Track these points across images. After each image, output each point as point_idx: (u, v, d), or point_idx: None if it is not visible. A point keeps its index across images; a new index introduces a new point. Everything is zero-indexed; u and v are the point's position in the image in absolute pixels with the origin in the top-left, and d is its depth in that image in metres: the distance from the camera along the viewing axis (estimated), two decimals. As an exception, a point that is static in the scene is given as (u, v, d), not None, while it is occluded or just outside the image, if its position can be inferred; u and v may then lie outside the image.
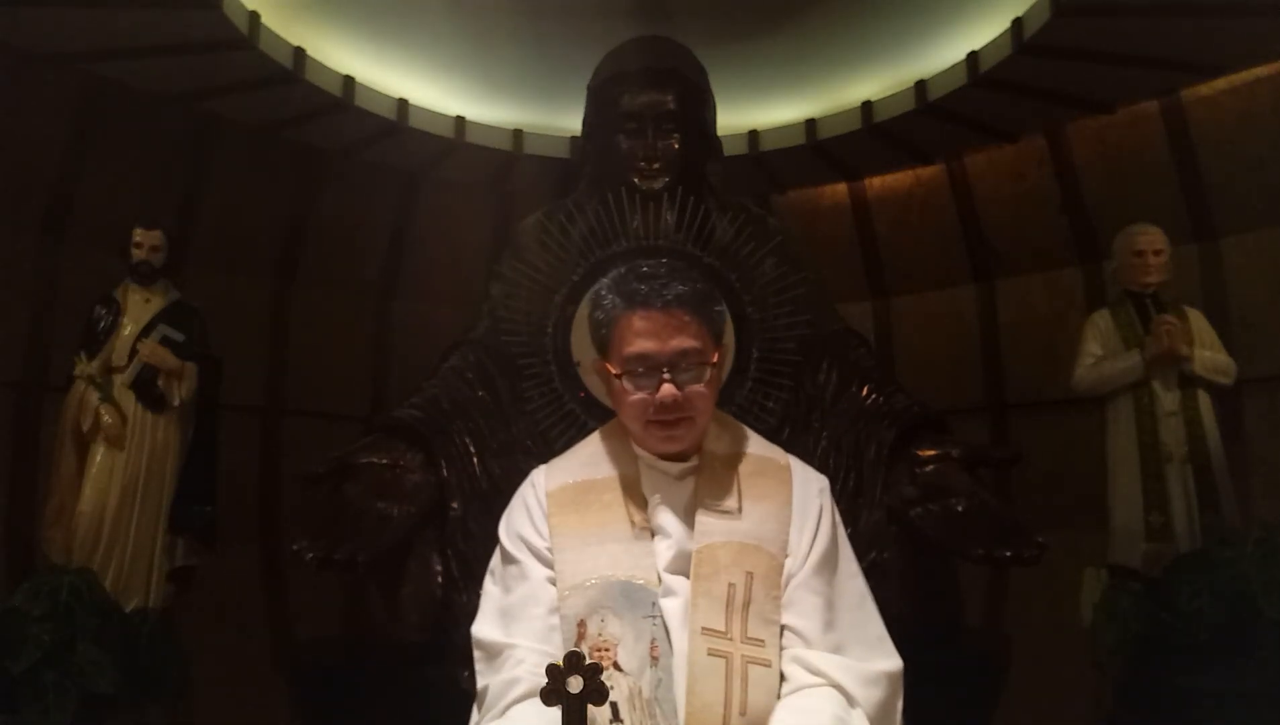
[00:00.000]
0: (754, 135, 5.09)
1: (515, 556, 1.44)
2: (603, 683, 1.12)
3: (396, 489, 3.06)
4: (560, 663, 1.13)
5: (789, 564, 1.40)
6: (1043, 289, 4.92)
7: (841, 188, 5.43)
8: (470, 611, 1.50)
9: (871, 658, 1.36)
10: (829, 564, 1.42)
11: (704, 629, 1.33)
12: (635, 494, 1.46)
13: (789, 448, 1.58)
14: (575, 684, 1.11)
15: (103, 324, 3.64)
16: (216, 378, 3.83)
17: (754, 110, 4.96)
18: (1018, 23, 4.01)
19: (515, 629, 1.38)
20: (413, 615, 2.95)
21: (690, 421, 1.43)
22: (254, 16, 3.93)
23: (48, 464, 3.61)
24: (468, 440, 3.20)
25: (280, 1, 3.99)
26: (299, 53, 4.20)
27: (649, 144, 3.36)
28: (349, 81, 4.44)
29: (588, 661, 1.14)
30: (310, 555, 2.69)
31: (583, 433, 1.64)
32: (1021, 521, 3.01)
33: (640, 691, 1.30)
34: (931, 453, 3.20)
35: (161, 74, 4.05)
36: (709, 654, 1.31)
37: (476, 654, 1.41)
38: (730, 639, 1.33)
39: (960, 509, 3.01)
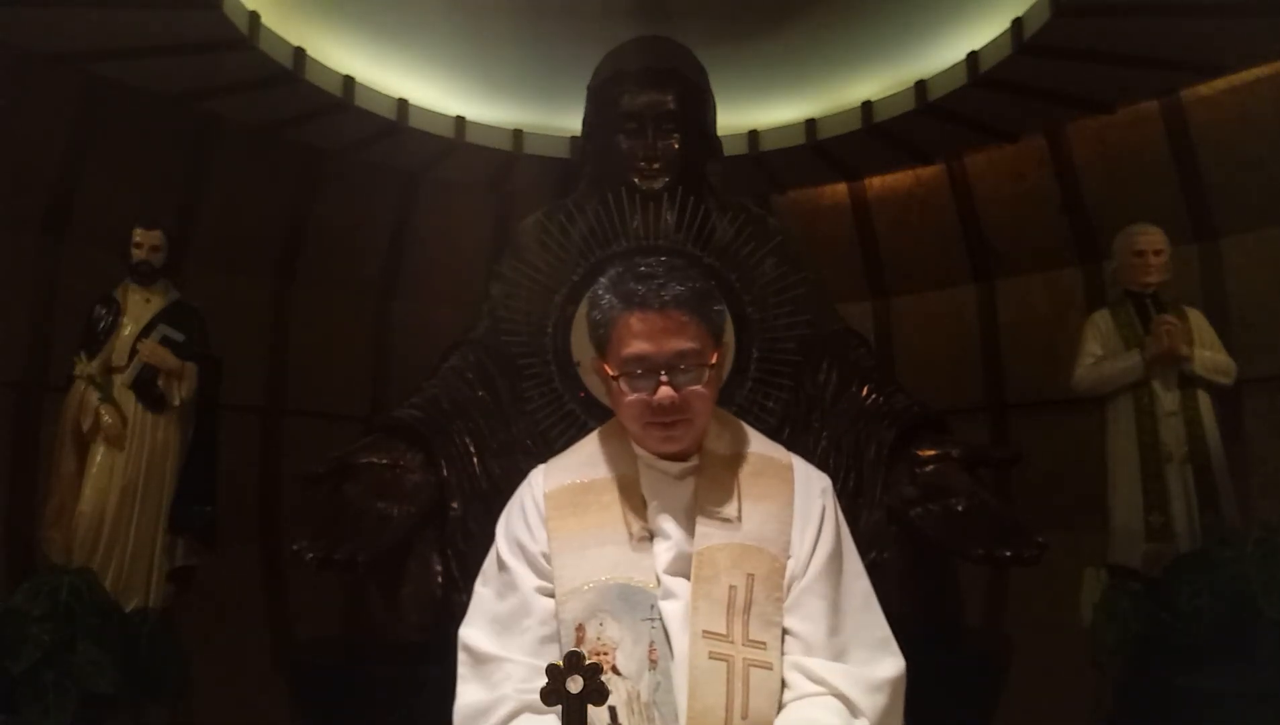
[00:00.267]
0: (754, 135, 5.09)
1: (508, 563, 1.43)
2: (602, 683, 1.12)
3: (396, 489, 3.06)
4: (559, 663, 1.13)
5: (791, 565, 1.39)
6: (1043, 289, 4.92)
7: (841, 188, 5.43)
8: (469, 611, 1.49)
9: (876, 661, 1.36)
10: (834, 566, 1.41)
11: (705, 632, 1.32)
12: (634, 495, 1.45)
13: (789, 448, 1.57)
14: (575, 684, 1.11)
15: (103, 324, 3.63)
16: (216, 378, 3.83)
17: (754, 110, 4.96)
18: (1018, 23, 4.01)
19: (506, 641, 1.37)
20: (413, 615, 2.95)
21: (689, 422, 1.42)
22: (254, 16, 3.93)
23: (48, 464, 3.61)
24: (468, 440, 3.20)
25: (280, 1, 3.99)
26: (299, 53, 4.20)
27: (649, 144, 3.36)
28: (349, 81, 4.44)
29: (588, 662, 1.13)
30: (310, 555, 2.69)
31: (582, 433, 1.64)
32: (1021, 521, 3.02)
33: (639, 695, 1.30)
34: (931, 453, 3.20)
35: (161, 74, 4.05)
36: (710, 657, 1.31)
37: (462, 657, 1.39)
38: (731, 642, 1.32)
39: (960, 509, 3.01)
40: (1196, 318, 3.73)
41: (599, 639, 1.33)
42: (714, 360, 1.43)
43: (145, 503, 3.55)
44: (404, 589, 2.99)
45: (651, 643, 1.33)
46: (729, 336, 2.42)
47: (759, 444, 1.53)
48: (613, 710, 1.24)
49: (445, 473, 3.09)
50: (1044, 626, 3.78)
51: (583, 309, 3.12)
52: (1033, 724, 3.37)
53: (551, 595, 1.39)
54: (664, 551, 1.41)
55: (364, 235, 5.18)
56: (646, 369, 1.39)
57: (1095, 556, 3.66)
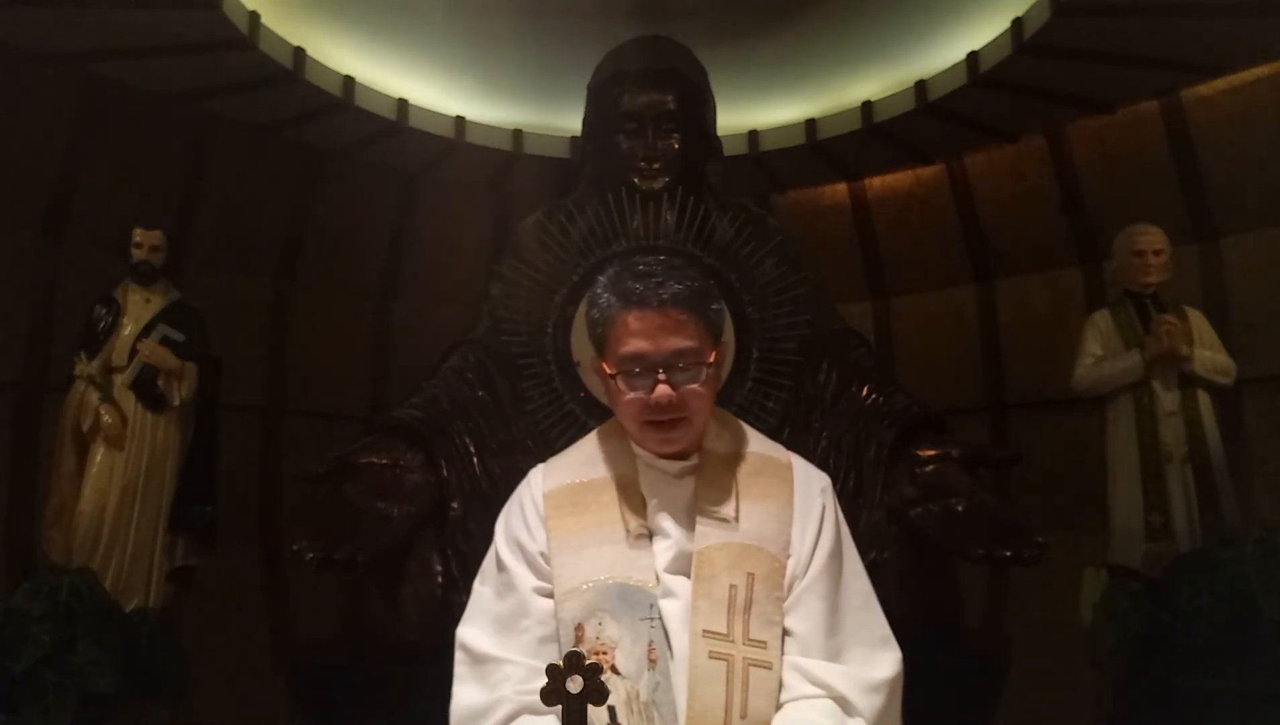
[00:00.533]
0: (754, 135, 5.09)
1: (506, 563, 1.43)
2: (602, 683, 1.12)
3: (396, 489, 3.06)
4: (559, 663, 1.13)
5: (791, 564, 1.39)
6: (1043, 289, 4.92)
7: (841, 188, 5.43)
8: (469, 611, 1.49)
9: (874, 662, 1.36)
10: (834, 566, 1.41)
11: (705, 631, 1.32)
12: (633, 494, 1.45)
13: (789, 448, 1.57)
14: (575, 684, 1.11)
15: (103, 324, 3.63)
16: (216, 378, 3.83)
17: (754, 110, 4.96)
18: (1018, 23, 4.01)
19: (505, 642, 1.37)
20: (413, 615, 2.95)
21: (687, 422, 1.41)
22: (254, 16, 3.93)
23: (48, 464, 3.61)
24: (468, 440, 3.20)
25: (280, 1, 3.99)
26: (299, 53, 4.20)
27: (649, 144, 3.36)
28: (349, 81, 4.44)
29: (587, 662, 1.13)
30: (310, 555, 2.69)
31: (582, 432, 1.63)
32: (1021, 521, 3.02)
33: (638, 694, 1.30)
34: (931, 453, 3.20)
35: (161, 74, 4.05)
36: (710, 657, 1.31)
37: (460, 656, 1.39)
38: (732, 641, 1.32)
39: (960, 509, 3.01)
40: (1196, 318, 3.73)
41: (598, 638, 1.33)
42: (712, 359, 1.42)
43: (145, 503, 3.55)
44: (404, 589, 2.99)
45: (650, 642, 1.32)
46: (728, 336, 2.42)
47: (758, 443, 1.53)
48: (612, 710, 1.24)
49: (445, 473, 3.09)
50: (1044, 626, 3.77)
51: (582, 308, 3.12)
52: (1033, 724, 3.36)
53: (550, 596, 1.39)
54: (663, 550, 1.41)
55: (364, 235, 5.18)
56: (644, 368, 1.39)
57: (1095, 556, 3.66)
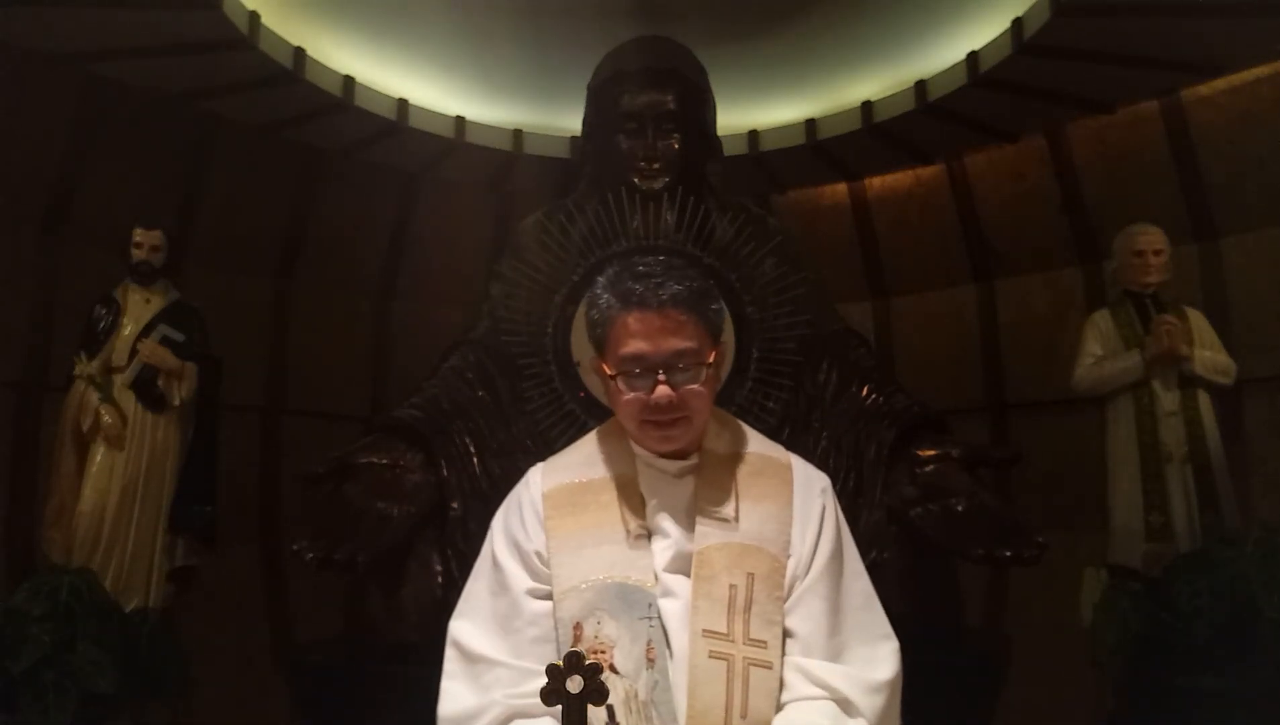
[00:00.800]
0: (754, 135, 5.09)
1: (502, 563, 1.43)
2: (602, 682, 1.12)
3: (396, 489, 3.06)
4: (559, 663, 1.13)
5: (791, 564, 1.39)
6: (1043, 289, 4.92)
7: (841, 188, 5.43)
8: (468, 612, 1.48)
9: (875, 662, 1.36)
10: (834, 566, 1.41)
11: (705, 631, 1.32)
12: (633, 494, 1.45)
13: (789, 448, 1.57)
14: (575, 684, 1.11)
15: (103, 324, 3.64)
16: (216, 378, 3.83)
17: (754, 110, 4.96)
18: (1018, 23, 4.02)
19: (497, 642, 1.37)
20: (413, 615, 2.95)
21: (686, 421, 1.42)
22: (254, 16, 3.93)
23: (48, 464, 3.61)
24: (468, 440, 3.20)
25: (280, 1, 3.99)
26: (299, 53, 4.20)
27: (649, 144, 3.36)
28: (349, 81, 4.44)
29: (587, 662, 1.13)
30: (310, 555, 2.69)
31: (582, 432, 1.63)
32: (1021, 521, 3.02)
33: (636, 694, 1.30)
34: (931, 453, 3.20)
35: (161, 74, 4.05)
36: (710, 656, 1.31)
37: (451, 653, 1.39)
38: (732, 641, 1.32)
39: (960, 509, 3.01)
40: (1196, 318, 3.73)
41: (596, 637, 1.33)
42: (712, 359, 1.43)
43: (145, 503, 3.56)
44: (404, 589, 2.99)
45: (649, 641, 1.33)
46: (728, 335, 2.41)
47: (758, 444, 1.53)
48: (610, 709, 1.24)
49: (445, 473, 3.09)
50: (1044, 626, 3.78)
51: (582, 309, 3.12)
52: (1032, 724, 3.36)
53: (543, 597, 1.39)
54: (663, 550, 1.41)
55: (364, 235, 5.19)
56: (644, 368, 1.39)
57: (1095, 556, 3.66)
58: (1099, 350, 3.79)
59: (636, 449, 1.48)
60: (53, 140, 4.01)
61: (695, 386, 1.40)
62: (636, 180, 3.35)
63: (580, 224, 3.39)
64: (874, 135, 4.83)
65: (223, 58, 3.95)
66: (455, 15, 4.22)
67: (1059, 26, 3.80)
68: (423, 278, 5.26)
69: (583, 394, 3.22)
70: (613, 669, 1.31)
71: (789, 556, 1.40)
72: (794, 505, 1.44)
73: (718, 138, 3.71)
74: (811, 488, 1.48)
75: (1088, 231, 4.68)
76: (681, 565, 1.39)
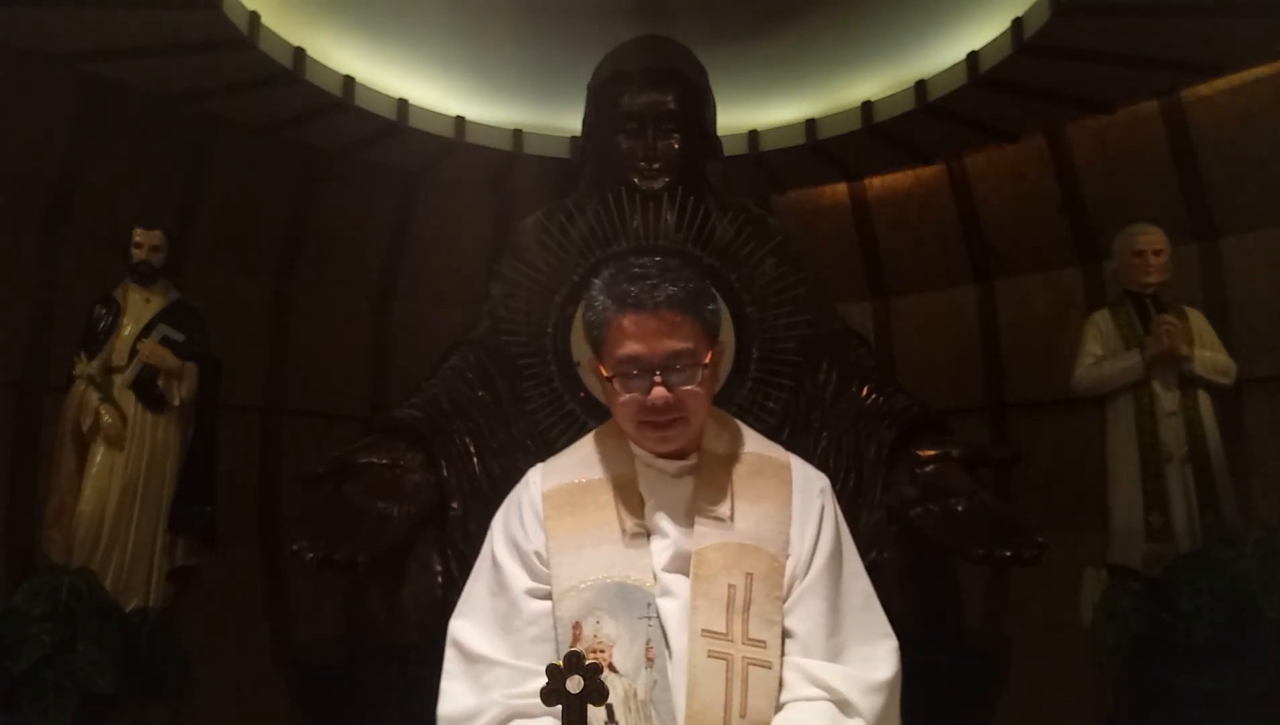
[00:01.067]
0: (754, 135, 5.09)
1: (501, 563, 1.43)
2: (602, 682, 1.12)
3: (396, 489, 3.07)
4: (559, 663, 1.13)
5: (790, 564, 1.39)
6: (1043, 289, 4.92)
7: (841, 188, 5.43)
8: (467, 611, 1.48)
9: (874, 662, 1.36)
10: (834, 566, 1.41)
11: (704, 631, 1.32)
12: (632, 494, 1.45)
13: (789, 448, 1.57)
14: (575, 684, 1.11)
15: (103, 324, 3.63)
16: (216, 378, 3.83)
17: (754, 110, 4.96)
18: (1018, 23, 4.02)
19: (497, 642, 1.37)
20: (413, 615, 2.95)
21: (684, 421, 1.42)
22: (254, 16, 3.93)
23: (48, 464, 3.61)
24: (468, 440, 3.20)
25: (280, 1, 3.99)
26: (299, 53, 4.20)
27: (649, 144, 3.37)
28: (349, 81, 4.44)
29: (587, 662, 1.14)
30: (310, 555, 2.69)
31: (582, 433, 1.63)
32: (1021, 521, 3.02)
33: (635, 693, 1.30)
34: (931, 453, 3.21)
35: (161, 74, 4.05)
36: (709, 656, 1.31)
37: (451, 652, 1.39)
38: (731, 640, 1.32)
39: (960, 509, 3.02)
40: (1196, 318, 3.73)
41: (595, 637, 1.33)
42: (708, 359, 1.43)
43: (145, 503, 3.55)
44: (404, 589, 2.99)
45: (648, 641, 1.33)
46: (726, 335, 2.43)
47: (757, 444, 1.54)
48: (609, 708, 1.24)
49: (445, 473, 3.10)
50: (1044, 626, 3.78)
51: (581, 309, 3.12)
52: (1033, 724, 3.37)
53: (543, 597, 1.39)
54: (661, 550, 1.41)
55: (364, 235, 5.19)
56: (640, 370, 1.39)
57: (1095, 556, 3.66)
58: (1099, 350, 3.79)
59: (635, 449, 1.48)
60: (53, 140, 4.01)
61: (692, 387, 1.40)
62: (636, 180, 3.35)
63: (580, 224, 3.39)
64: (874, 135, 4.83)
65: (223, 58, 3.95)
66: (455, 15, 4.22)
67: (1059, 26, 3.80)
68: (423, 278, 5.26)
69: (583, 394, 3.22)
70: (612, 668, 1.31)
71: (788, 556, 1.40)
72: (793, 505, 1.44)
73: (718, 138, 3.71)
74: (811, 488, 1.48)
75: (1088, 231, 4.68)
76: (680, 565, 1.39)
